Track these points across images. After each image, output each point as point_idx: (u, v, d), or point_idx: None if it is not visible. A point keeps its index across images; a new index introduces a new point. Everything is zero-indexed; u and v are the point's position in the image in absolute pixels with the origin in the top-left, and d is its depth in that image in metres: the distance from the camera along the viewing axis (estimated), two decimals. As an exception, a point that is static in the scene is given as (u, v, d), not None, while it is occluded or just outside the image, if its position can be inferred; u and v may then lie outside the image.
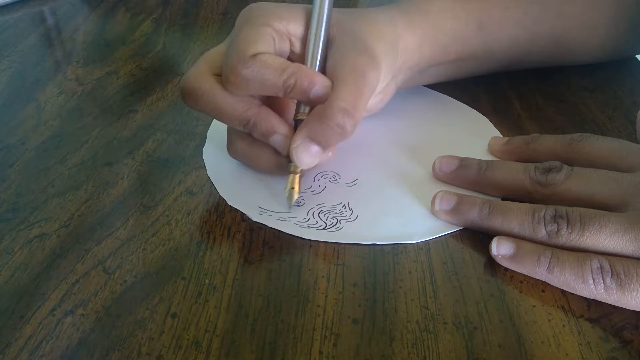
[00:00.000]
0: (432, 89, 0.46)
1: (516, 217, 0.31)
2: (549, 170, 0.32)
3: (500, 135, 0.40)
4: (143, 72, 0.49)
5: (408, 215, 0.34)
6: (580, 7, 0.44)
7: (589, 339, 0.27)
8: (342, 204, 0.34)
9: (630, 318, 0.28)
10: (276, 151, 0.34)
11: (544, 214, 0.30)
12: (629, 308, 0.28)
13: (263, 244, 0.32)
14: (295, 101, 0.34)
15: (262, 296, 0.29)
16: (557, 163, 0.33)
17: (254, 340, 0.27)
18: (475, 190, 0.35)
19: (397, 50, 0.37)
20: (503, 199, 0.34)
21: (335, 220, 0.33)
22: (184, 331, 0.27)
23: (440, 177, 0.36)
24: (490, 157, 0.38)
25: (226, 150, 0.39)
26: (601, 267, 0.28)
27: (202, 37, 0.56)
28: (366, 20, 0.36)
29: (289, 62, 0.32)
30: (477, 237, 0.32)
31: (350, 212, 0.34)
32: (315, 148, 0.32)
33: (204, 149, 0.39)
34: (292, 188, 0.33)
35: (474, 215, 0.32)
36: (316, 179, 0.36)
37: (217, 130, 0.41)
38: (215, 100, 0.32)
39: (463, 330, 0.27)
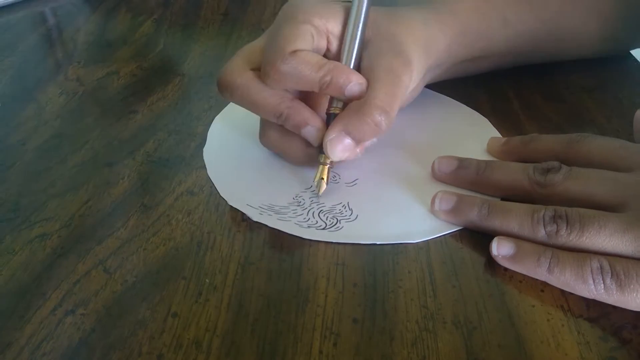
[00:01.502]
0: (431, 89, 0.46)
1: (515, 218, 0.31)
2: (547, 170, 0.32)
3: (500, 136, 0.40)
4: (144, 73, 0.49)
5: (408, 215, 0.34)
6: None
7: (588, 338, 0.27)
8: (342, 204, 0.34)
9: (629, 318, 0.28)
10: (307, 143, 0.35)
11: (543, 215, 0.30)
12: (628, 308, 0.28)
13: (263, 244, 0.32)
14: (328, 97, 0.36)
15: (263, 296, 0.29)
16: (555, 163, 0.33)
17: (254, 339, 0.27)
18: (475, 191, 0.35)
19: (429, 51, 0.37)
20: (502, 199, 0.34)
21: (335, 220, 0.33)
22: (185, 331, 0.27)
23: (440, 177, 0.36)
24: (489, 158, 0.38)
25: (228, 150, 0.39)
26: (601, 268, 0.28)
27: (203, 38, 0.56)
28: (402, 22, 0.37)
29: (327, 60, 0.33)
30: (476, 237, 0.32)
31: (350, 212, 0.34)
32: (348, 141, 0.33)
33: (204, 149, 0.39)
34: (322, 178, 0.34)
35: (474, 215, 0.32)
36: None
37: (218, 130, 0.41)
38: (250, 94, 0.34)
39: (462, 330, 0.27)
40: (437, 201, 0.33)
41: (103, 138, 0.41)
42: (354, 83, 0.33)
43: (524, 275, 0.30)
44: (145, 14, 0.61)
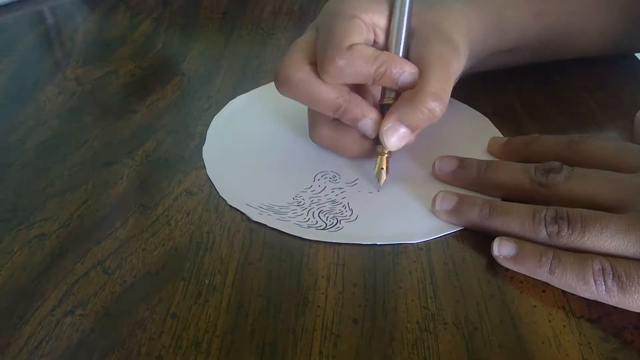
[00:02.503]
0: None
1: (517, 218, 0.31)
2: (549, 170, 0.32)
3: (501, 135, 0.40)
4: (143, 72, 0.49)
5: (408, 215, 0.34)
6: None
7: (590, 339, 0.27)
8: (342, 204, 0.34)
9: (630, 318, 0.28)
10: (361, 135, 0.35)
11: (545, 215, 0.30)
12: (630, 309, 0.28)
13: (263, 244, 0.32)
14: (380, 87, 0.36)
15: (262, 296, 0.29)
16: (557, 164, 0.33)
17: (253, 340, 0.26)
18: (475, 191, 0.35)
19: (469, 40, 0.38)
20: (503, 199, 0.34)
21: (335, 221, 0.33)
22: (184, 331, 0.27)
23: (440, 177, 0.36)
24: (490, 158, 0.38)
25: (227, 150, 0.39)
26: (602, 269, 0.28)
27: (202, 37, 0.56)
28: (443, 11, 0.37)
29: (380, 52, 0.34)
30: (477, 238, 0.32)
31: (350, 212, 0.34)
32: (404, 130, 0.34)
33: (203, 148, 0.39)
34: (382, 168, 0.35)
35: (475, 216, 0.32)
36: (316, 178, 0.36)
37: (217, 130, 0.41)
38: (310, 88, 0.34)
39: (463, 331, 0.27)
40: (437, 201, 0.33)
41: (102, 138, 0.40)
42: (407, 73, 0.34)
43: (525, 276, 0.30)
44: (144, 13, 0.61)
